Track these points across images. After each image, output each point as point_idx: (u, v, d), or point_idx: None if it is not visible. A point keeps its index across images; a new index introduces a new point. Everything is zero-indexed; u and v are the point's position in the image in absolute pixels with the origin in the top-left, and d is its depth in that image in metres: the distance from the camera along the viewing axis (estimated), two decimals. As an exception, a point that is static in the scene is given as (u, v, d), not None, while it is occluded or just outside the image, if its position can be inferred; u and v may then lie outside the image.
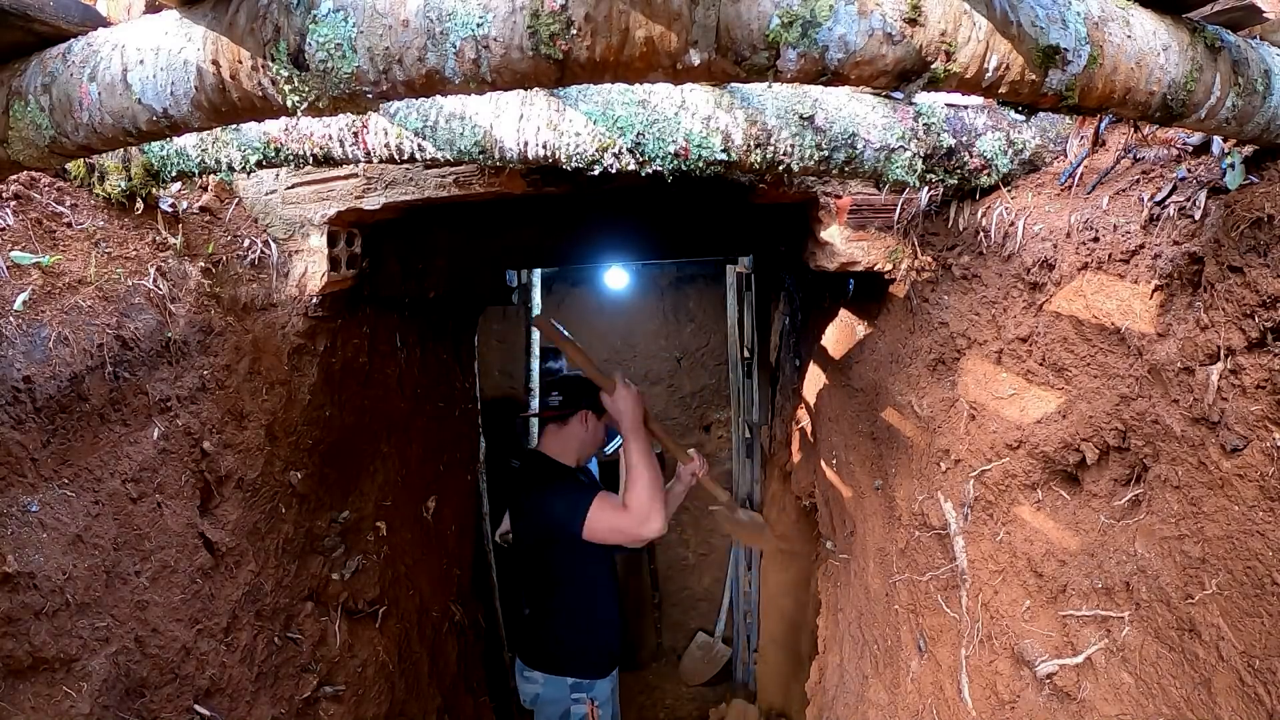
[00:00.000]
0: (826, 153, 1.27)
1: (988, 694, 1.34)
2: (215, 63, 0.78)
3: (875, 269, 1.74)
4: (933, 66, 0.73)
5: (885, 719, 1.85)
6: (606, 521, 2.23)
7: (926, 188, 1.59)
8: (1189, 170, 1.03)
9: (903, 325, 1.85)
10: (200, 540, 1.56)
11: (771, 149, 1.25)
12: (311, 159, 1.39)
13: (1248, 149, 0.94)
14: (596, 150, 1.25)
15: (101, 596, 1.28)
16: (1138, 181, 1.12)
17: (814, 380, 2.83)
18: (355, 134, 1.34)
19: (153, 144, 1.42)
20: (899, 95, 1.31)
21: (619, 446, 3.98)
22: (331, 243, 1.79)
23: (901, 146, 1.29)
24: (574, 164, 1.28)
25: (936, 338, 1.64)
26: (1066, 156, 1.36)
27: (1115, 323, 1.09)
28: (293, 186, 1.75)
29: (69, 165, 1.37)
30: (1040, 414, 1.27)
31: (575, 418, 2.54)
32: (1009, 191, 1.39)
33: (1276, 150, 0.90)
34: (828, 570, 2.76)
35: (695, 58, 0.69)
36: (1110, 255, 1.10)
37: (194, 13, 0.79)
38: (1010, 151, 1.36)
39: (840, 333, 2.43)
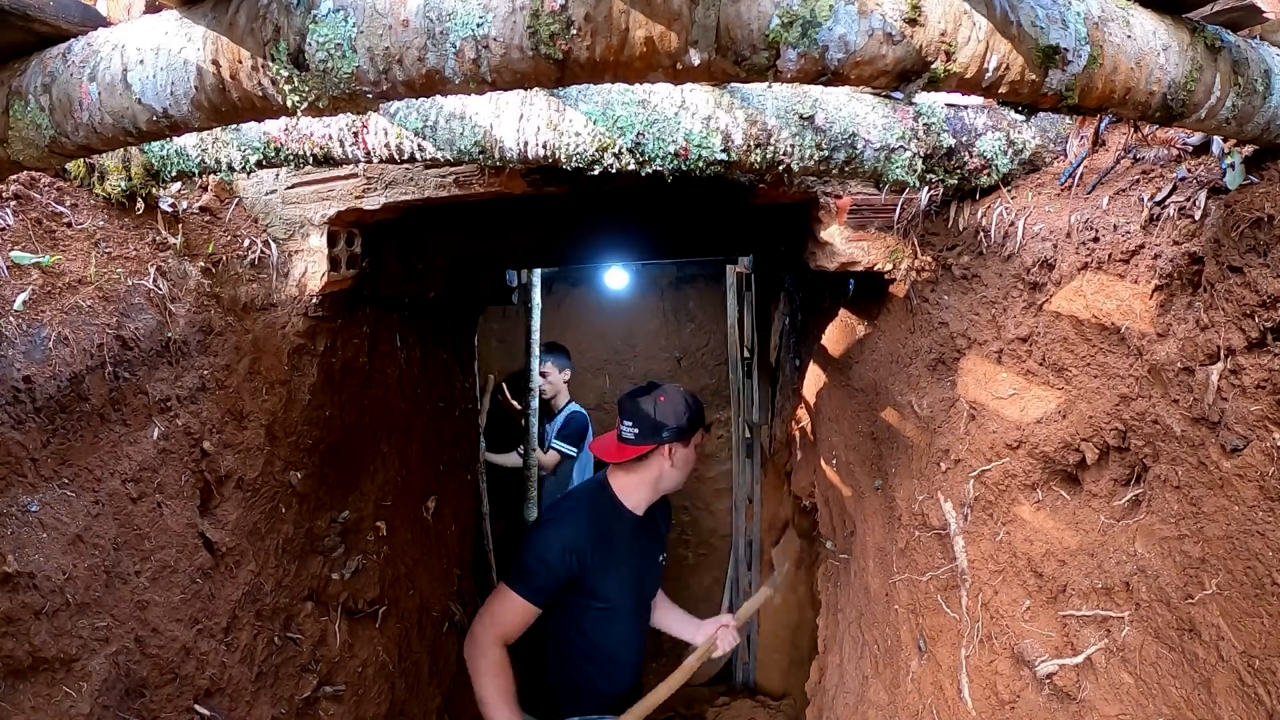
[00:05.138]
0: (826, 153, 1.27)
1: (988, 694, 1.34)
2: (215, 63, 0.78)
3: (875, 269, 1.74)
4: (933, 66, 0.73)
5: (885, 719, 1.85)
6: (489, 601, 1.98)
7: (926, 188, 1.59)
8: (1189, 170, 1.03)
9: (903, 325, 1.85)
10: (200, 540, 1.56)
11: (771, 149, 1.25)
12: (311, 159, 1.39)
13: (1248, 149, 0.94)
14: (596, 150, 1.25)
15: (101, 596, 1.28)
16: (1138, 181, 1.12)
17: (814, 380, 2.83)
18: (355, 134, 1.34)
19: (153, 144, 1.42)
20: (899, 95, 1.31)
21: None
22: (331, 243, 1.79)
23: (901, 146, 1.29)
24: (574, 164, 1.28)
25: (936, 338, 1.64)
26: (1066, 156, 1.36)
27: (1115, 323, 1.09)
28: (293, 186, 1.75)
29: (69, 165, 1.37)
30: (1040, 414, 1.27)
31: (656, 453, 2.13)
32: (1009, 191, 1.39)
33: (1276, 150, 0.90)
34: (828, 570, 2.76)
35: (695, 58, 0.69)
36: (1110, 255, 1.10)
37: (194, 12, 0.79)
38: (1010, 151, 1.36)
39: (840, 333, 2.43)
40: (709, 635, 2.48)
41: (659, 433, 2.10)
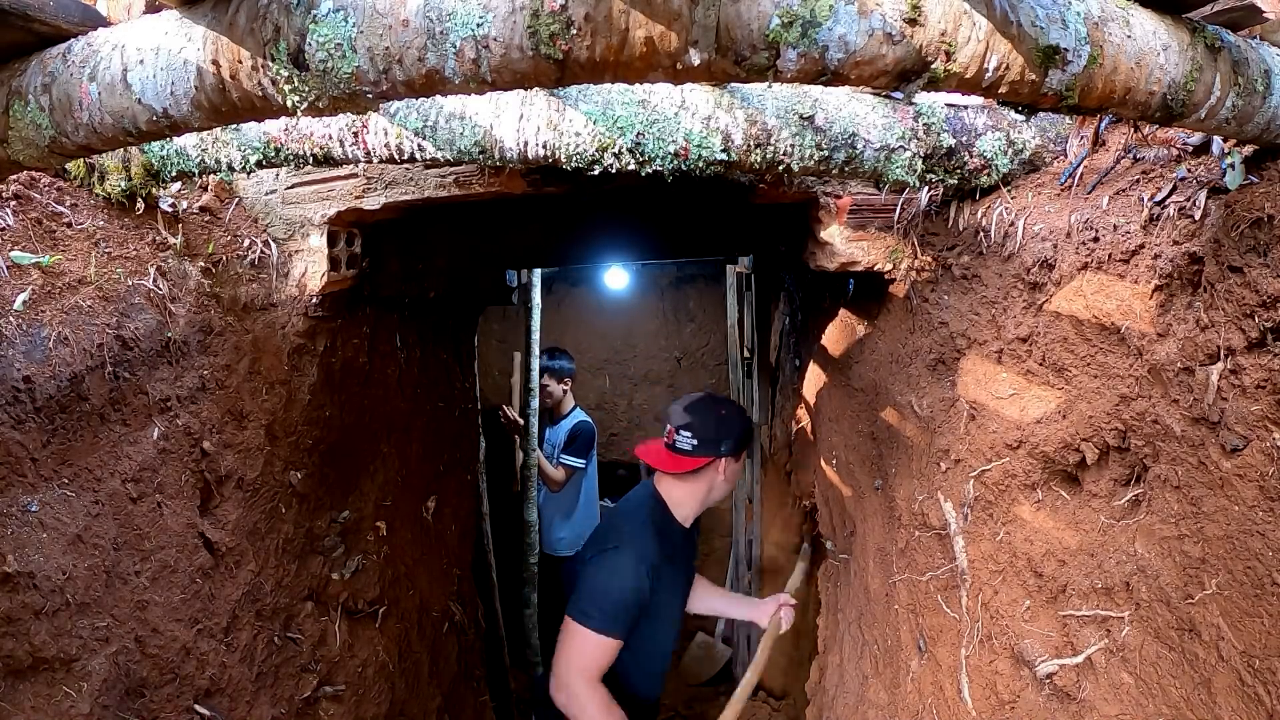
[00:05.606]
0: (826, 153, 1.27)
1: (988, 694, 1.34)
2: (215, 63, 0.78)
3: (875, 269, 1.74)
4: (933, 66, 0.73)
5: (885, 719, 1.85)
6: (569, 644, 1.89)
7: (926, 188, 1.59)
8: (1189, 170, 1.03)
9: (903, 325, 1.85)
10: (200, 540, 1.56)
11: (771, 149, 1.25)
12: (311, 159, 1.39)
13: (1248, 149, 0.94)
14: (596, 150, 1.25)
15: (101, 596, 1.28)
16: (1138, 181, 1.12)
17: (814, 380, 2.83)
18: (355, 134, 1.34)
19: (153, 144, 1.42)
20: (899, 95, 1.31)
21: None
22: (331, 243, 1.79)
23: (901, 146, 1.29)
24: (574, 164, 1.28)
25: (936, 338, 1.64)
26: (1066, 156, 1.36)
27: (1115, 323, 1.09)
28: (293, 186, 1.75)
29: (69, 165, 1.37)
30: (1040, 414, 1.27)
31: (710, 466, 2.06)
32: (1009, 191, 1.39)
33: (1276, 150, 0.90)
34: (828, 570, 2.76)
35: (695, 58, 0.69)
36: (1110, 255, 1.10)
37: (194, 12, 0.79)
38: (1010, 151, 1.36)
39: (840, 333, 2.43)
40: (772, 615, 2.49)
41: (718, 446, 2.05)
